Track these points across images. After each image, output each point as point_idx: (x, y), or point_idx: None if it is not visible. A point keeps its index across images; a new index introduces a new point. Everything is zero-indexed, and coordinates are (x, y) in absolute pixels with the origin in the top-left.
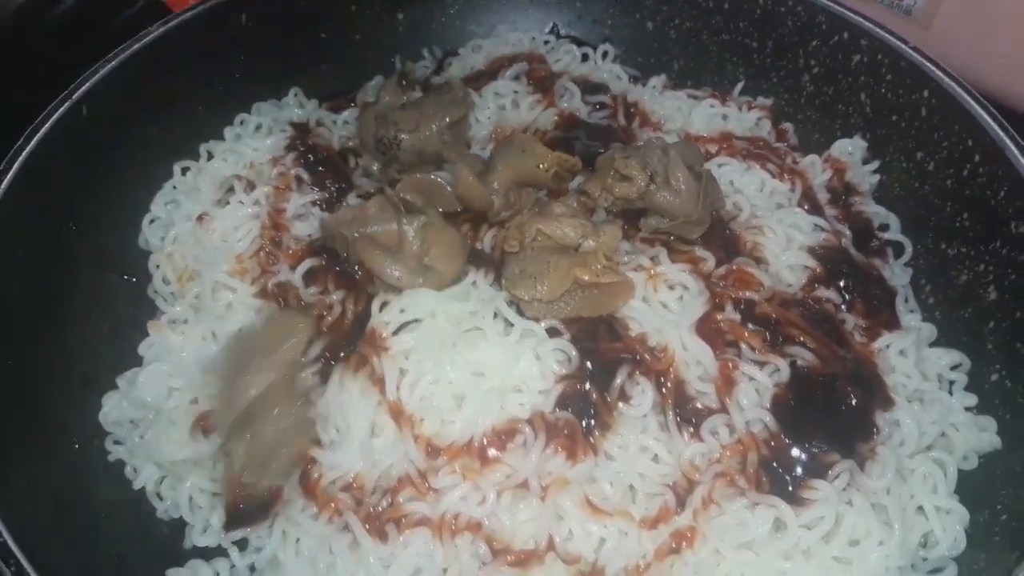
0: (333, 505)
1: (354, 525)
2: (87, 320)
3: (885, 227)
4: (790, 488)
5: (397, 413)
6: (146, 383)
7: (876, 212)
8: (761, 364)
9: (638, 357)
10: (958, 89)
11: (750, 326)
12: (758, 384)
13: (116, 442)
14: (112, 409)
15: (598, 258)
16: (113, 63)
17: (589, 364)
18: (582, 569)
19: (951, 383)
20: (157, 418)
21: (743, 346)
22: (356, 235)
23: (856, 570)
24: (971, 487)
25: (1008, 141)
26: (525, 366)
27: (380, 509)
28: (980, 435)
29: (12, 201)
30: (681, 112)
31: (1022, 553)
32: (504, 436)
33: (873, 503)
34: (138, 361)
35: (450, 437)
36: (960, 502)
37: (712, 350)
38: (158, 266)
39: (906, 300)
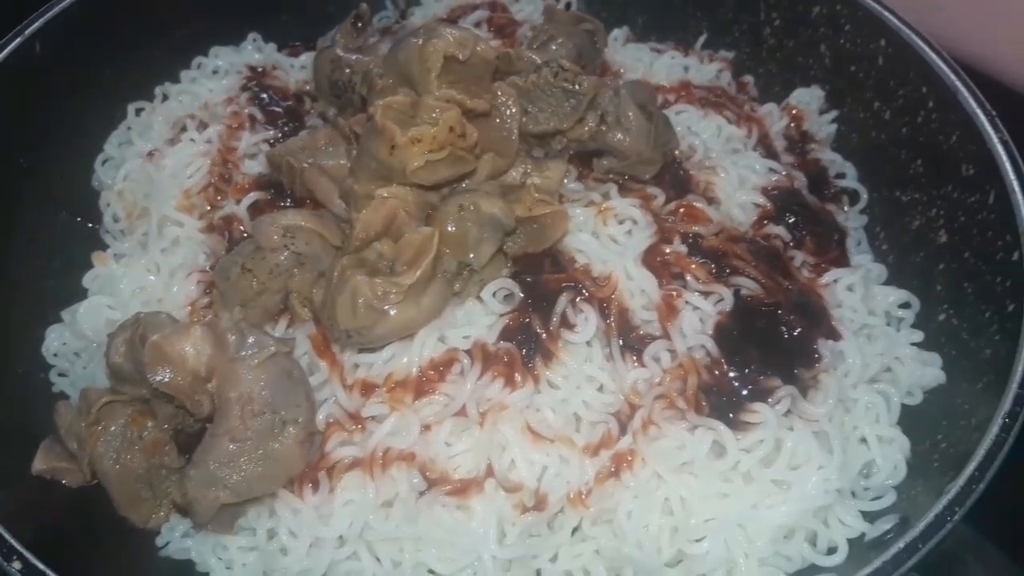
0: None
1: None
2: (35, 256)
3: (841, 175)
4: (731, 414)
5: (330, 359)
6: (86, 315)
7: (832, 160)
8: (705, 294)
9: (580, 286)
10: (914, 37)
11: (696, 258)
12: (701, 312)
13: (61, 374)
14: (54, 341)
15: (530, 193)
16: (68, 0)
17: (532, 296)
18: (525, 501)
19: (899, 320)
20: (98, 351)
21: (688, 277)
22: (305, 164)
23: (795, 493)
24: (914, 420)
25: (960, 85)
26: (468, 306)
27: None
28: (925, 369)
29: None
30: (642, 63)
31: (957, 472)
32: (442, 367)
33: (815, 431)
34: (86, 298)
35: (386, 373)
36: (903, 433)
37: (657, 280)
38: (108, 204)
39: (859, 243)
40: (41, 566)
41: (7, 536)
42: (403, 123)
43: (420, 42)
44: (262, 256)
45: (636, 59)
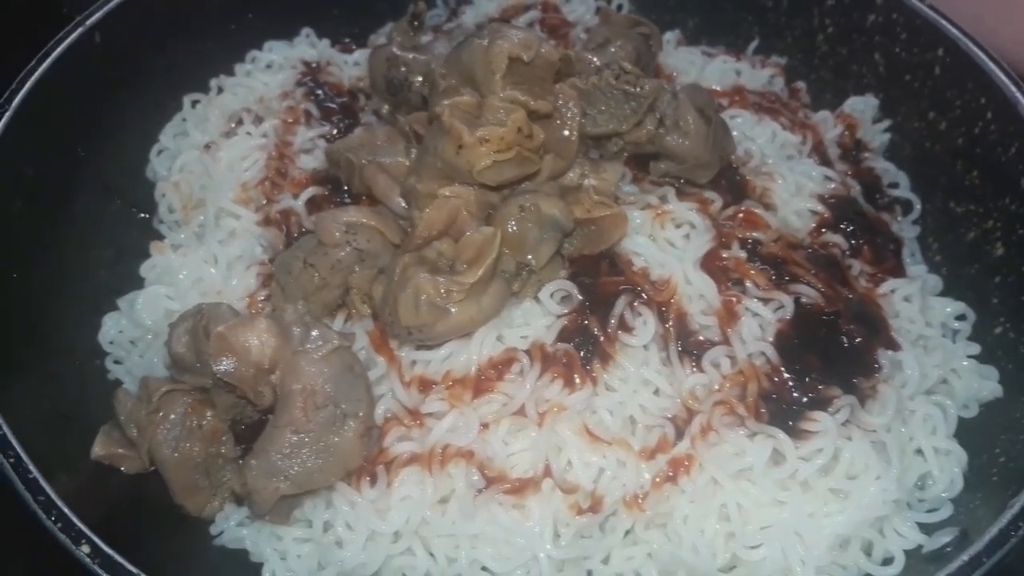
0: None
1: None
2: (90, 244)
3: (895, 185)
4: (790, 421)
5: (388, 355)
6: (145, 305)
7: (886, 169)
8: (765, 300)
9: (639, 289)
10: (973, 47)
11: (756, 264)
12: (761, 319)
13: (116, 361)
14: (111, 329)
15: (588, 194)
16: None
17: (590, 298)
18: (580, 503)
19: (955, 332)
20: (155, 340)
21: (748, 283)
22: (364, 161)
23: (853, 503)
24: (971, 433)
25: (1021, 97)
26: (526, 307)
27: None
28: (982, 383)
29: (21, 122)
30: (694, 66)
31: (1019, 487)
32: (501, 367)
33: (872, 441)
34: (141, 287)
35: (444, 370)
36: (959, 446)
37: (716, 285)
38: (164, 195)
39: (912, 254)
40: (108, 550)
41: (76, 520)
42: (469, 123)
43: (485, 43)
44: (324, 252)
45: (688, 63)
